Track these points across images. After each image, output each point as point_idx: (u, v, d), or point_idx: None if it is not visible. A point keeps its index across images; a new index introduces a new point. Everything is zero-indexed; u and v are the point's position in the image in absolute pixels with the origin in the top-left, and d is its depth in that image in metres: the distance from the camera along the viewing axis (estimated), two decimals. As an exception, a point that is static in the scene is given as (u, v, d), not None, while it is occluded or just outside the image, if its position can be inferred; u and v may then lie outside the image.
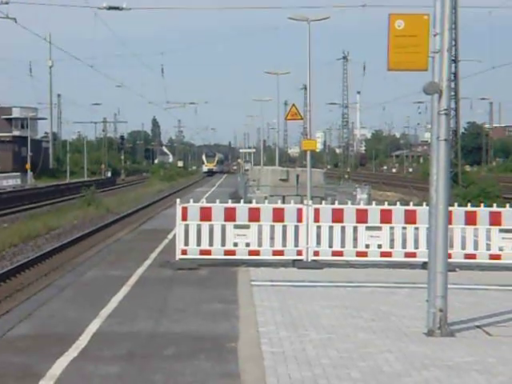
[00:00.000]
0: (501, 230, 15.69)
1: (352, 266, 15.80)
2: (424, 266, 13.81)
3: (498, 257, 15.69)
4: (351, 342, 9.30)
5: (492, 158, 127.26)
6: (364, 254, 15.70)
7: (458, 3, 41.39)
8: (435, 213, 9.61)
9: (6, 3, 32.94)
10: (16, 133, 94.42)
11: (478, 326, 10.21)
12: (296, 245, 15.75)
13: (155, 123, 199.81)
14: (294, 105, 25.57)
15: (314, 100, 24.77)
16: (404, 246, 15.67)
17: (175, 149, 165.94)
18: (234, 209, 15.87)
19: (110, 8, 31.40)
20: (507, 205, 16.57)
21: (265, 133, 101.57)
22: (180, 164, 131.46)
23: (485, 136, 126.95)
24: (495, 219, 15.65)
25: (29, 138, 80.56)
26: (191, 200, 16.50)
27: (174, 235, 16.70)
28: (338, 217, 15.71)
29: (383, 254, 15.70)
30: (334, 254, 15.74)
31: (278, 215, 15.75)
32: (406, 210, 15.83)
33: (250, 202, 17.47)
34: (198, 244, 15.68)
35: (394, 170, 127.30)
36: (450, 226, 11.37)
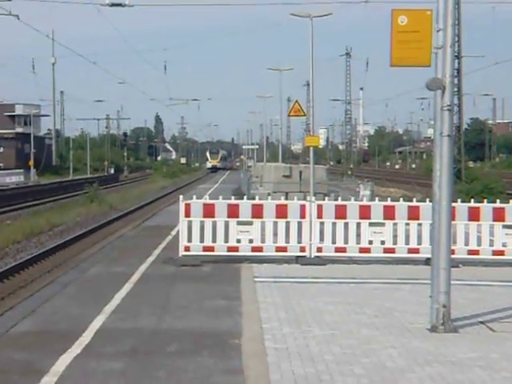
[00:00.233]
0: (504, 226, 15.68)
1: (355, 263, 15.79)
2: (427, 261, 13.79)
3: (501, 253, 15.69)
4: (354, 338, 9.30)
5: (495, 153, 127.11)
6: (367, 250, 15.69)
7: (461, -1, 41.28)
8: (438, 209, 9.60)
9: (9, 0, 32.95)
10: (19, 130, 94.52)
11: (481, 322, 10.20)
12: (299, 241, 15.74)
13: (158, 120, 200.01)
14: (296, 101, 25.53)
15: (316, 96, 24.76)
16: (407, 242, 15.67)
17: (178, 145, 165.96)
18: (237, 205, 15.86)
19: (113, 5, 31.35)
20: (510, 201, 16.55)
21: (268, 129, 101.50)
22: (183, 161, 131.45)
23: (488, 132, 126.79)
24: (498, 215, 15.64)
25: (32, 135, 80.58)
26: (194, 196, 16.50)
27: (177, 232, 16.71)
28: (341, 213, 15.70)
29: (386, 250, 15.70)
30: (337, 250, 15.74)
31: (281, 212, 15.75)
32: (409, 206, 15.82)
33: (253, 199, 17.48)
34: (201, 240, 15.68)
35: (397, 167, 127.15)
36: (453, 222, 11.41)
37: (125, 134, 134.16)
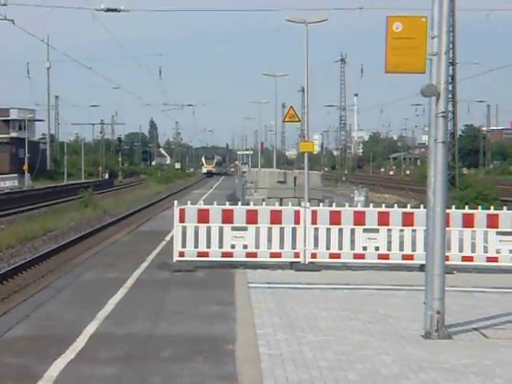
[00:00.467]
0: (498, 233, 15.71)
1: (349, 269, 15.80)
2: (421, 268, 13.80)
3: (495, 259, 15.71)
4: (348, 344, 9.30)
5: (489, 160, 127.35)
6: (361, 256, 15.70)
7: (456, 6, 41.44)
8: (433, 215, 9.62)
9: (4, 5, 32.92)
10: (13, 134, 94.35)
11: (475, 329, 10.21)
12: (293, 247, 15.75)
13: (153, 125, 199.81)
14: (291, 107, 25.57)
15: (311, 102, 24.82)
16: (401, 249, 15.68)
17: (173, 151, 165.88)
18: (231, 211, 15.87)
19: (108, 10, 31.40)
20: (504, 207, 16.60)
21: (262, 135, 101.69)
22: (177, 166, 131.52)
23: (482, 139, 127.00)
24: (492, 222, 15.67)
25: (26, 140, 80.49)
26: (189, 202, 16.50)
27: (172, 237, 16.70)
28: (335, 219, 15.72)
29: (381, 257, 15.71)
30: (332, 256, 15.74)
31: (276, 217, 15.76)
32: (403, 213, 15.84)
33: (248, 204, 17.47)
34: (196, 246, 15.68)
35: (391, 173, 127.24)
36: (447, 229, 11.41)
37: (119, 139, 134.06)
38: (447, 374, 8.01)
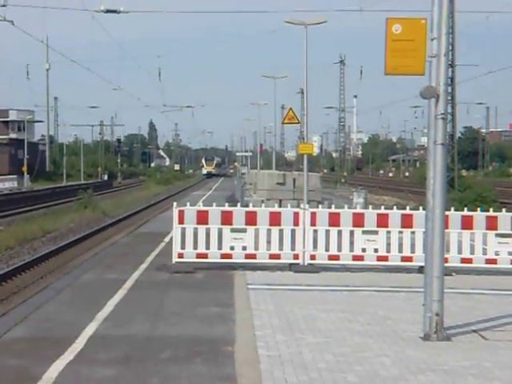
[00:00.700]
0: (497, 235, 15.71)
1: (348, 270, 15.80)
2: (420, 270, 13.82)
3: (494, 261, 15.71)
4: (348, 345, 9.30)
5: (488, 162, 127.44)
6: (360, 258, 15.70)
7: (456, 8, 41.46)
8: (432, 217, 9.62)
9: (4, 6, 32.93)
10: (13, 135, 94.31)
11: (474, 331, 10.21)
12: (293, 248, 15.75)
13: (152, 126, 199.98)
14: (291, 108, 25.57)
15: (310, 104, 24.80)
16: (400, 250, 15.68)
17: (172, 152, 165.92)
18: (230, 212, 15.87)
19: (108, 11, 31.41)
20: (503, 209, 16.60)
21: (262, 136, 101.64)
22: (177, 167, 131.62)
23: (481, 141, 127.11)
24: (491, 224, 15.67)
25: (25, 141, 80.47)
26: (188, 203, 16.50)
27: (171, 238, 16.70)
28: (334, 221, 15.72)
29: (380, 258, 15.71)
30: (331, 257, 15.74)
31: (275, 219, 15.76)
32: (402, 214, 15.84)
33: (247, 206, 17.47)
34: (195, 247, 15.68)
35: (390, 175, 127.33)
36: (446, 231, 11.42)
37: (119, 141, 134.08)
38: (446, 376, 8.02)
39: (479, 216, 15.84)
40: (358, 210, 17.04)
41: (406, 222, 15.66)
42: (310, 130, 25.29)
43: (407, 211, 16.10)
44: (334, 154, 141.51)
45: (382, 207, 16.75)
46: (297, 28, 24.39)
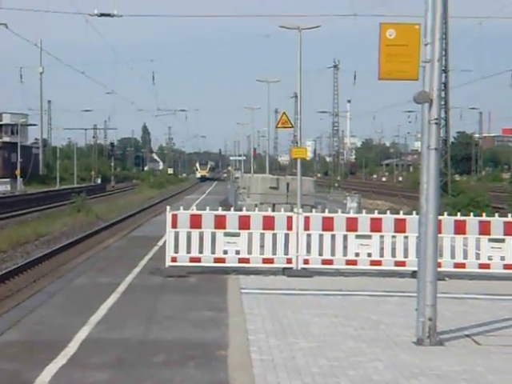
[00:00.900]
0: (490, 240, 15.73)
1: (342, 275, 15.81)
2: (413, 274, 13.83)
3: (487, 266, 15.73)
4: (341, 350, 9.30)
5: (481, 167, 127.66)
6: (354, 263, 15.71)
7: (449, 13, 41.54)
8: (425, 222, 9.63)
9: (-3, 9, 32.91)
10: (6, 139, 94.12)
11: (467, 335, 10.23)
12: (286, 253, 15.75)
13: (145, 130, 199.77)
14: (284, 113, 25.55)
15: (304, 108, 24.81)
16: (394, 255, 15.70)
17: (165, 156, 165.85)
18: (224, 216, 15.86)
19: (102, 15, 31.42)
20: (496, 214, 16.63)
21: (255, 141, 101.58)
22: (170, 171, 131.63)
23: (474, 145, 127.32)
24: (484, 228, 15.70)
25: (19, 144, 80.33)
26: (181, 207, 16.50)
27: (164, 242, 16.69)
28: (328, 225, 15.72)
29: (373, 263, 15.72)
30: (324, 262, 15.75)
31: (268, 223, 15.76)
32: (395, 219, 15.86)
33: (241, 210, 17.48)
34: (188, 251, 15.67)
35: (383, 179, 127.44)
36: (439, 235, 11.43)
37: (112, 144, 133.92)
38: (439, 381, 8.03)
39: (472, 221, 15.86)
40: (352, 215, 17.04)
41: (400, 226, 15.68)
42: (303, 135, 25.31)
43: (400, 216, 16.12)
44: (328, 159, 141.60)
45: (376, 212, 16.76)
46: (291, 32, 24.41)
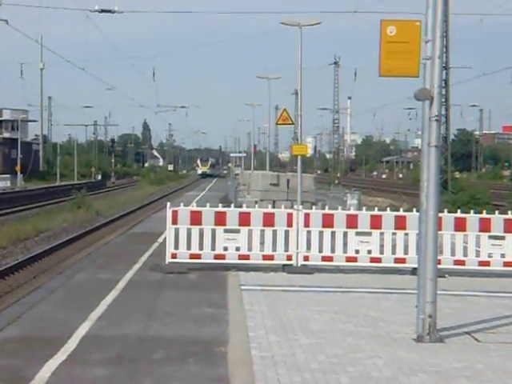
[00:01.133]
0: (490, 237, 15.74)
1: (342, 272, 15.81)
2: (414, 271, 13.85)
3: (487, 263, 15.73)
4: (340, 347, 9.31)
5: (482, 164, 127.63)
6: (354, 260, 15.72)
7: (450, 10, 41.52)
8: (425, 219, 9.63)
9: (-2, 5, 32.89)
10: (6, 135, 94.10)
11: (466, 332, 10.23)
12: (286, 249, 15.76)
13: (146, 126, 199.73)
14: (285, 109, 25.51)
15: (305, 105, 24.75)
16: (394, 252, 15.70)
17: (165, 152, 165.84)
18: (224, 213, 15.87)
19: (103, 11, 31.40)
20: (496, 211, 16.63)
21: (255, 137, 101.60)
22: (170, 168, 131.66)
23: (475, 143, 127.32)
24: (485, 226, 15.70)
25: (19, 140, 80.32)
26: (181, 204, 16.49)
27: (164, 239, 16.69)
28: (328, 222, 15.73)
29: (373, 260, 15.73)
30: (324, 259, 15.76)
31: (269, 220, 15.76)
32: (395, 216, 15.87)
33: (241, 207, 17.47)
34: (188, 248, 15.67)
35: (384, 176, 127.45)
36: (439, 232, 11.43)
37: (112, 141, 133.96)
38: (439, 378, 8.03)
39: (472, 218, 15.87)
40: (352, 212, 17.05)
41: (400, 223, 15.69)
42: (303, 131, 25.29)
43: (401, 213, 16.13)
44: (328, 156, 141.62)
45: (376, 209, 16.76)
46: (292, 29, 24.38)
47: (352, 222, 15.71)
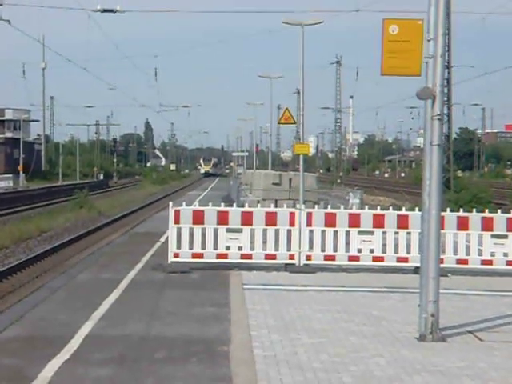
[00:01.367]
0: (492, 236, 15.72)
1: (344, 271, 15.81)
2: (416, 270, 13.82)
3: (489, 262, 15.72)
4: (343, 346, 9.31)
5: (484, 163, 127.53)
6: (356, 259, 15.71)
7: (452, 9, 41.48)
8: (428, 218, 9.63)
9: (0, 5, 32.91)
10: (8, 134, 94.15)
11: (469, 332, 10.22)
12: (288, 249, 15.75)
13: (148, 126, 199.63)
14: (287, 109, 25.54)
15: (307, 104, 24.75)
16: (396, 251, 15.69)
17: (168, 152, 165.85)
18: (226, 212, 15.87)
19: (104, 11, 31.39)
20: (499, 210, 16.62)
21: (258, 136, 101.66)
22: (172, 167, 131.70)
23: (477, 142, 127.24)
24: (487, 225, 15.69)
25: (21, 140, 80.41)
26: (184, 203, 16.50)
27: (167, 238, 16.69)
28: (330, 221, 15.72)
29: (375, 259, 15.72)
30: (327, 258, 15.75)
31: (271, 219, 15.76)
32: (398, 215, 15.85)
33: (243, 206, 17.47)
34: (191, 247, 15.67)
35: (386, 175, 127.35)
36: (442, 231, 11.42)
37: (114, 140, 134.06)
38: (441, 377, 8.02)
39: (475, 217, 15.86)
40: (354, 211, 17.04)
41: (402, 222, 15.68)
42: (306, 131, 25.27)
43: (403, 212, 16.11)
44: (330, 155, 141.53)
45: (378, 208, 16.75)
46: (293, 28, 24.37)
47: (354, 221, 15.71)
